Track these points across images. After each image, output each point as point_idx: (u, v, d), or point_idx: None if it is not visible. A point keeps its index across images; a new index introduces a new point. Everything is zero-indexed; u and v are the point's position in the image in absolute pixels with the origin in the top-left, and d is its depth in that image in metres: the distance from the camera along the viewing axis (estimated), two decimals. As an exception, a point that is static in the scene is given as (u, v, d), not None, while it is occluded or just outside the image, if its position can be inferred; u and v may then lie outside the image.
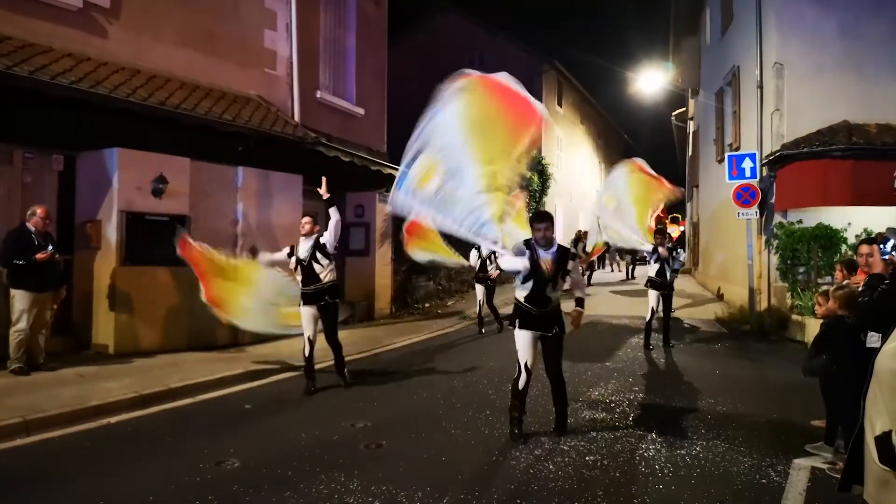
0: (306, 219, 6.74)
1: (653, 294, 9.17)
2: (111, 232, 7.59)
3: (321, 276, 6.38)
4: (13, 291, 6.48)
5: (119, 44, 8.00)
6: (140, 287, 7.72)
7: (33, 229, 6.58)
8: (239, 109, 8.99)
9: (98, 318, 7.64)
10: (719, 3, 15.08)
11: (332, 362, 6.75)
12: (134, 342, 7.64)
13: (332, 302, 6.47)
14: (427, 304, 13.81)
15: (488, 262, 10.40)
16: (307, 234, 6.56)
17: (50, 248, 6.56)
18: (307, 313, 6.43)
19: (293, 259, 6.52)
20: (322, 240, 6.47)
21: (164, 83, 8.22)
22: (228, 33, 9.48)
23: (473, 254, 10.50)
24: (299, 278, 6.49)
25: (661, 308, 9.21)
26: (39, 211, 6.65)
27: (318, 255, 6.42)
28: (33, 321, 6.53)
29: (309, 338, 6.43)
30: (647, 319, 9.22)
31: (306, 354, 6.43)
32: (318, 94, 11.27)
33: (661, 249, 9.17)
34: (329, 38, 11.90)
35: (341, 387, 6.55)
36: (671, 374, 7.64)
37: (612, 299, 15.28)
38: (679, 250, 9.46)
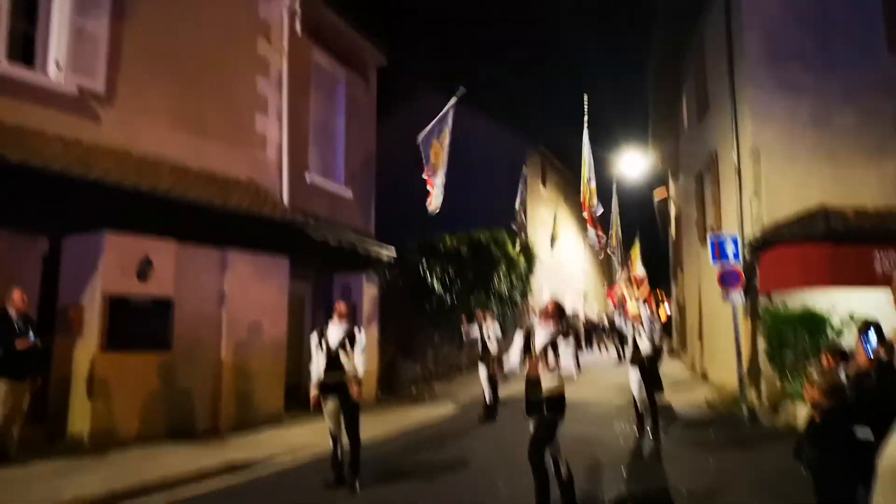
0: (342, 304, 6.48)
1: (632, 374, 9.03)
2: (93, 316, 7.44)
3: (346, 367, 6.10)
4: (-11, 380, 6.27)
5: (112, 128, 8.10)
6: (120, 374, 7.51)
7: (14, 313, 6.44)
8: (228, 192, 9.05)
9: (74, 407, 7.37)
10: (694, 92, 15.70)
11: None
12: (111, 431, 7.36)
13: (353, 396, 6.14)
14: (414, 389, 13.54)
15: (487, 339, 10.31)
16: (341, 317, 6.28)
17: (31, 335, 6.41)
18: (331, 406, 6.06)
19: (321, 344, 6.19)
20: (356, 333, 6.21)
21: (154, 167, 8.28)
22: (220, 117, 9.66)
23: (475, 328, 10.42)
24: (321, 366, 6.16)
25: (643, 390, 9.03)
26: (16, 294, 6.55)
27: (347, 345, 6.16)
28: (8, 411, 6.29)
29: (333, 433, 6.09)
30: (634, 406, 9.11)
31: (334, 452, 6.09)
32: (307, 177, 11.41)
33: (633, 321, 9.18)
34: (319, 122, 12.16)
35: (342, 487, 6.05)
36: (663, 465, 7.44)
37: (600, 382, 15.10)
38: (643, 325, 9.23)
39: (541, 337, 5.21)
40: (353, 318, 6.47)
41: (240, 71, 10.07)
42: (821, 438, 4.40)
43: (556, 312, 5.37)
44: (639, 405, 9.09)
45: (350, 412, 6.05)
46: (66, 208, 7.31)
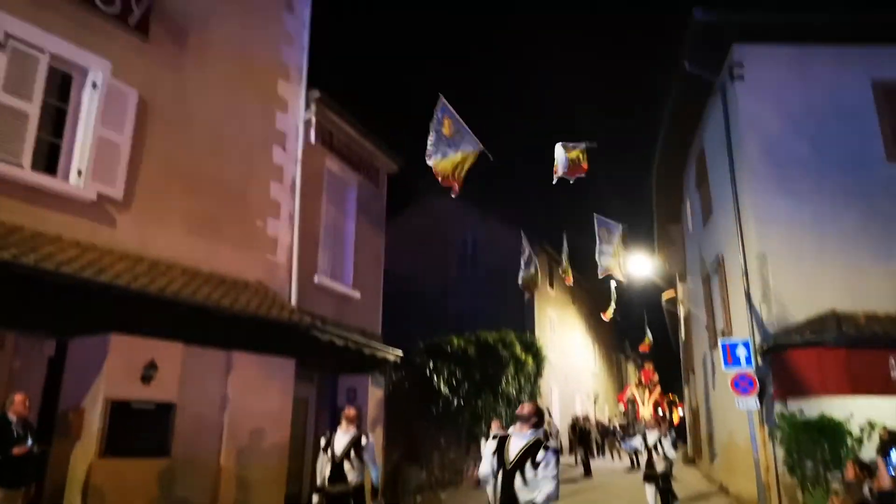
0: (351, 409, 6.36)
1: (648, 491, 8.81)
2: (94, 420, 7.31)
3: (349, 478, 5.91)
4: (-17, 488, 6.10)
5: (126, 232, 8.29)
6: (116, 481, 7.28)
7: (14, 419, 6.35)
8: (237, 294, 9.11)
9: (66, 516, 7.11)
10: (698, 197, 16.01)
11: None
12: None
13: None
14: (419, 498, 13.02)
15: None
16: (349, 423, 6.14)
17: (29, 441, 6.29)
18: None
19: (326, 450, 6.04)
20: (363, 442, 6.05)
21: (166, 269, 8.40)
22: (233, 221, 9.88)
23: (489, 444, 10.21)
24: (325, 472, 5.96)
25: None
26: (17, 398, 6.47)
27: (353, 455, 5.99)
28: (-2, 521, 6.08)
29: None
30: None
31: None
32: (316, 279, 11.51)
33: (647, 433, 8.99)
34: (329, 225, 12.41)
35: None
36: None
37: (612, 490, 14.49)
38: (662, 442, 9.04)
39: (516, 445, 4.46)
40: (360, 424, 6.30)
41: (255, 177, 10.40)
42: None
43: (534, 415, 4.60)
44: None
45: None
46: (75, 310, 7.36)
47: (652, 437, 8.99)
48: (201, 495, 8.37)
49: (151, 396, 7.80)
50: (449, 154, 8.86)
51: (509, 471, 4.33)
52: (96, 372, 7.50)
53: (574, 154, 10.60)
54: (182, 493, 8.09)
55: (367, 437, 6.06)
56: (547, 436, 4.93)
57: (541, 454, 4.33)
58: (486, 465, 4.61)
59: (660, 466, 8.77)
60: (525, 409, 4.67)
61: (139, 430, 7.55)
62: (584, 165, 10.69)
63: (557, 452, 4.42)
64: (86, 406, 7.43)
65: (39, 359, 7.64)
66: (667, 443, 9.09)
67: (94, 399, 7.42)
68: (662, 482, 8.80)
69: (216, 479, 8.60)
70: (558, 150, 10.74)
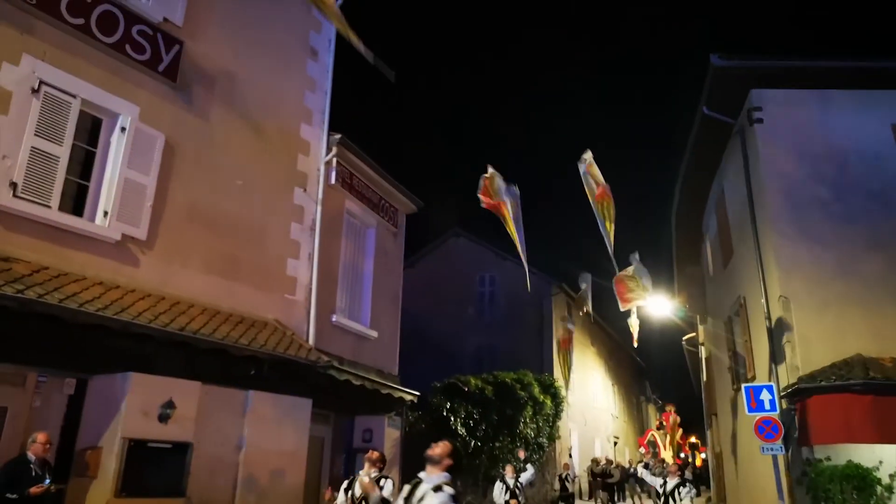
0: (375, 452, 6.36)
1: None
2: (110, 460, 7.32)
3: None
4: (0, 527, 6.12)
5: (149, 272, 8.42)
6: (131, 521, 7.25)
7: (33, 458, 6.40)
8: (256, 333, 9.17)
9: (80, 557, 7.08)
10: (718, 239, 15.91)
11: None
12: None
13: None
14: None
15: (517, 489, 9.93)
16: (373, 465, 6.13)
17: (47, 480, 6.32)
18: None
19: (347, 493, 6.03)
20: (381, 483, 6.00)
21: (186, 308, 8.50)
22: (253, 261, 10.00)
23: (498, 486, 10.12)
24: None
25: None
26: (40, 437, 6.53)
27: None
28: (14, 561, 6.08)
29: None
30: None
31: None
32: (334, 318, 11.55)
33: (668, 480, 8.81)
34: (348, 266, 12.50)
35: None
36: None
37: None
38: (685, 489, 8.89)
39: (422, 491, 3.99)
40: (382, 467, 6.28)
41: (276, 218, 10.56)
42: None
43: (447, 457, 4.07)
44: None
45: None
46: (96, 349, 7.44)
47: (671, 483, 8.80)
48: (215, 535, 8.28)
49: (168, 436, 7.80)
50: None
51: None
52: (115, 410, 7.53)
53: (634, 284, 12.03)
54: (196, 533, 8.03)
55: (387, 479, 6.01)
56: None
57: (431, 497, 3.92)
58: None
59: None
60: (436, 449, 4.13)
61: (155, 469, 7.53)
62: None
63: (454, 498, 3.95)
64: (103, 445, 7.44)
65: (59, 397, 7.71)
66: (685, 490, 8.90)
67: (111, 438, 7.43)
68: None
69: (230, 520, 8.52)
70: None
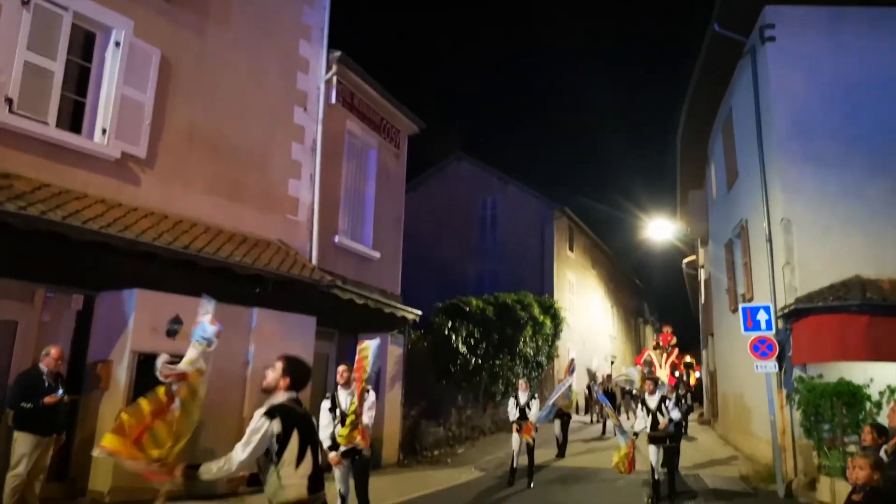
0: (341, 368, 6.61)
1: (651, 449, 8.97)
2: (121, 373, 7.55)
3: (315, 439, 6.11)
4: (17, 434, 6.35)
5: (150, 191, 8.41)
6: (144, 431, 7.52)
7: (45, 370, 6.57)
8: (259, 253, 9.24)
9: (97, 464, 7.38)
10: (723, 161, 15.76)
11: None
12: (131, 490, 7.31)
13: (366, 456, 6.24)
14: (437, 452, 13.30)
15: (527, 409, 10.26)
16: (345, 385, 6.41)
17: (60, 391, 6.52)
18: (342, 468, 6.20)
19: (334, 410, 6.30)
20: (365, 398, 6.24)
21: (189, 227, 8.53)
22: (255, 182, 9.96)
23: (511, 403, 10.48)
24: (334, 430, 6.23)
25: (662, 462, 9.00)
26: (53, 352, 6.68)
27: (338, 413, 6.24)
28: (32, 466, 6.34)
29: (342, 493, 6.18)
30: (651, 477, 8.96)
31: None
32: (337, 239, 11.60)
33: (647, 398, 9.15)
34: (350, 187, 12.45)
35: None
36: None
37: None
38: (669, 401, 9.21)
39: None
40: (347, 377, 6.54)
41: (276, 138, 10.44)
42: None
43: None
44: (656, 474, 8.97)
45: (361, 475, 6.22)
46: (101, 266, 7.53)
47: (653, 400, 9.13)
48: (225, 446, 8.53)
49: (177, 350, 7.94)
50: None
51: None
52: (123, 326, 7.70)
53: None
54: (207, 444, 8.33)
55: (369, 392, 6.24)
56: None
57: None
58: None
59: (664, 428, 8.95)
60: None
61: (165, 382, 7.75)
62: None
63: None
64: (113, 358, 7.66)
65: (68, 313, 7.85)
66: (671, 404, 9.22)
67: (121, 352, 7.64)
68: (670, 441, 9.02)
69: (240, 432, 8.81)
70: None
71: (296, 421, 3.62)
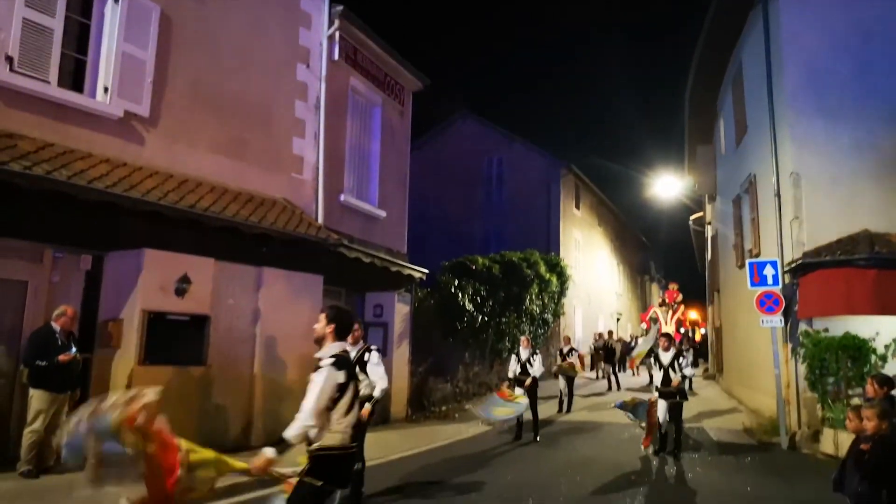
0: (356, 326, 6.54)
1: (660, 404, 9.10)
2: (132, 331, 7.64)
3: (362, 392, 6.10)
4: (32, 391, 6.49)
5: (154, 150, 8.37)
6: (157, 387, 7.65)
7: (58, 329, 6.66)
8: (265, 212, 9.24)
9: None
10: (732, 115, 15.54)
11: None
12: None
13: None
14: (444, 407, 13.51)
15: (528, 365, 10.38)
16: (354, 343, 6.37)
17: (73, 349, 6.62)
18: None
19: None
20: (367, 358, 6.22)
21: (194, 187, 8.51)
22: (259, 141, 9.89)
23: (513, 359, 10.60)
24: None
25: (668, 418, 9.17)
26: (69, 311, 6.77)
27: (357, 369, 6.20)
28: (48, 422, 6.49)
29: None
30: (658, 431, 9.13)
31: None
32: (342, 198, 11.57)
33: (661, 353, 9.22)
34: (354, 145, 12.36)
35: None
36: (701, 491, 7.29)
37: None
38: (683, 359, 9.29)
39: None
40: (364, 340, 6.54)
41: (279, 95, 10.32)
42: (870, 470, 4.25)
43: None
44: (662, 428, 9.13)
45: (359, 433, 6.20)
46: (108, 226, 7.55)
47: (666, 357, 9.21)
48: (236, 402, 8.78)
49: (186, 309, 8.08)
50: None
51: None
52: (132, 285, 7.76)
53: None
54: (218, 400, 8.51)
55: (370, 350, 6.22)
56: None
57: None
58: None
59: (677, 385, 9.06)
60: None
61: (176, 340, 7.87)
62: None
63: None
64: (124, 317, 7.74)
65: (77, 273, 7.90)
66: (685, 361, 9.31)
67: (131, 311, 7.71)
68: (679, 397, 9.16)
69: (250, 388, 9.01)
70: None
71: (351, 371, 3.81)
